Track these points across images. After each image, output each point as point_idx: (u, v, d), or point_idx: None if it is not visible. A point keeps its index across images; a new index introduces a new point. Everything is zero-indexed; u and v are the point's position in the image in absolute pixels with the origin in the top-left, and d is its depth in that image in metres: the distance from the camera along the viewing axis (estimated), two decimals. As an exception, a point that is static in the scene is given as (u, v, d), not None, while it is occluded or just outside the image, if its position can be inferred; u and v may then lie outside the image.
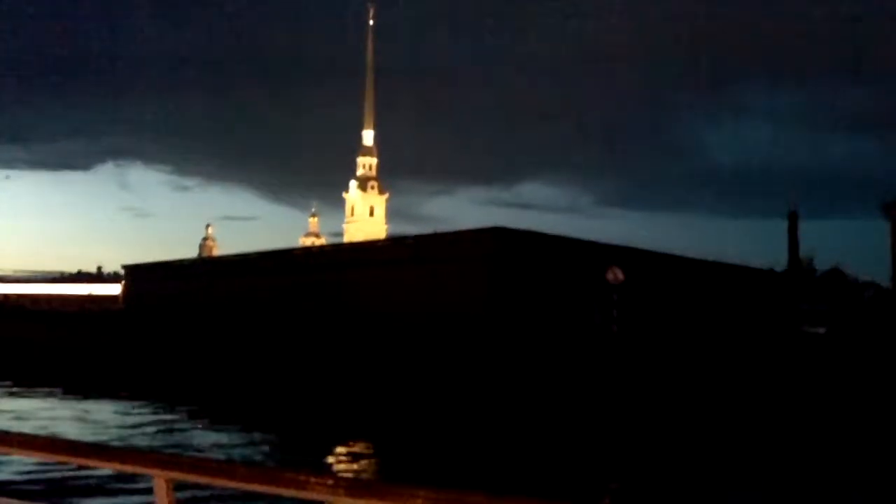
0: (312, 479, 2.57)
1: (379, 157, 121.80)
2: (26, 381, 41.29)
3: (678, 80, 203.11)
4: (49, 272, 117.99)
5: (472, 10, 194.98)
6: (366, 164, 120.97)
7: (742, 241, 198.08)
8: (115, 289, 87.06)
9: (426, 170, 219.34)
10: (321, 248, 53.83)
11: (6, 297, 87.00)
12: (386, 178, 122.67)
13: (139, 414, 32.24)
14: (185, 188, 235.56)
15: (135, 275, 64.89)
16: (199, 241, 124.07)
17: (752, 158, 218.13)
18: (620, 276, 32.99)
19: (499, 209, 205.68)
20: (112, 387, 41.00)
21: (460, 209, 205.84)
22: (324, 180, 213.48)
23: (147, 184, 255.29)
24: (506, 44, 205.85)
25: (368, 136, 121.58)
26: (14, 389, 38.81)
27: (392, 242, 44.69)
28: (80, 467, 2.77)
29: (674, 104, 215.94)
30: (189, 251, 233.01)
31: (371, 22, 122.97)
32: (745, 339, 30.02)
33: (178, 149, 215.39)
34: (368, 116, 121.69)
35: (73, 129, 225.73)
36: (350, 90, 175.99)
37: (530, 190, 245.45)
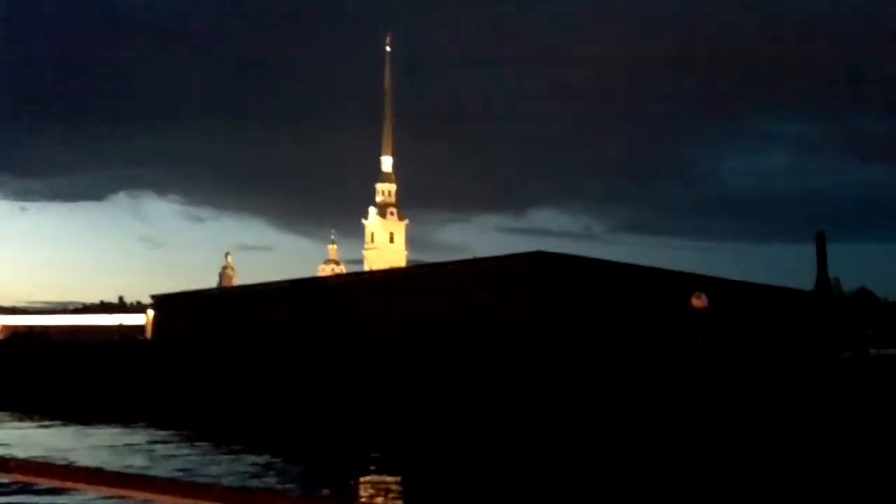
0: None
1: (397, 183, 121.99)
2: (78, 417, 40.86)
3: (694, 108, 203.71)
4: (65, 302, 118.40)
5: (487, 39, 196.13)
6: (385, 190, 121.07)
7: (758, 265, 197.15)
8: (139, 318, 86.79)
9: (439, 197, 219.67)
10: (354, 276, 53.37)
11: (31, 328, 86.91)
12: (402, 206, 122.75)
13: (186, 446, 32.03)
14: (199, 219, 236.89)
15: (164, 305, 64.58)
16: (213, 270, 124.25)
17: (767, 185, 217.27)
18: (705, 301, 32.39)
19: (512, 236, 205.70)
20: (153, 417, 40.73)
21: (474, 236, 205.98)
22: (338, 209, 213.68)
23: (161, 214, 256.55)
24: (522, 72, 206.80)
25: (387, 163, 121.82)
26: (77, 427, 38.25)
27: (429, 269, 44.18)
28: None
29: (688, 131, 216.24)
30: (204, 281, 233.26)
31: (388, 49, 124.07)
32: (814, 364, 29.38)
33: (191, 179, 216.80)
34: (387, 143, 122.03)
35: (87, 160, 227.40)
36: (364, 118, 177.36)
37: (543, 217, 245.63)
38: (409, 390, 38.08)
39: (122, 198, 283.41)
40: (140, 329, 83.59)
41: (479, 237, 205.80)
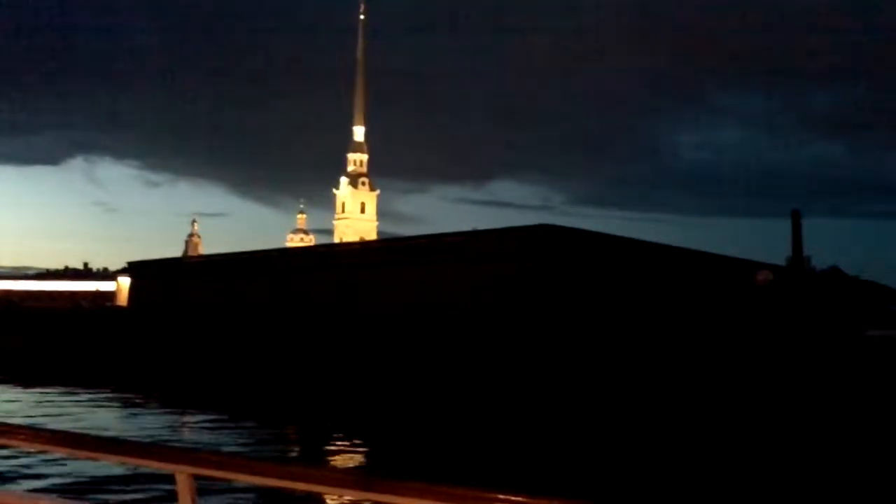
0: (325, 474, 2.72)
1: (369, 153, 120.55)
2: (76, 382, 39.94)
3: (649, 83, 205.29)
4: (20, 268, 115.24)
5: (454, 11, 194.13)
6: (357, 160, 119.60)
7: (713, 239, 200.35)
8: (109, 285, 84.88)
9: (397, 167, 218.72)
10: (348, 245, 52.52)
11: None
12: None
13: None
14: (155, 184, 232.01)
15: (140, 272, 63.08)
16: (167, 236, 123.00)
17: (722, 159, 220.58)
18: (770, 276, 32.41)
19: (471, 207, 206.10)
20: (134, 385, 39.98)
21: (434, 207, 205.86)
22: (301, 177, 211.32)
23: (117, 179, 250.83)
24: (484, 45, 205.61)
25: (360, 132, 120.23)
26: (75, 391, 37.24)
27: (428, 241, 43.60)
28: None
29: (645, 106, 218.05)
30: (163, 247, 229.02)
31: (362, 17, 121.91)
32: (843, 345, 29.49)
33: (148, 144, 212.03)
34: (359, 112, 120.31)
35: (42, 123, 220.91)
36: (328, 87, 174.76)
37: (500, 189, 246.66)
38: (405, 363, 37.73)
39: (78, 162, 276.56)
40: (109, 296, 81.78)
41: (439, 208, 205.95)
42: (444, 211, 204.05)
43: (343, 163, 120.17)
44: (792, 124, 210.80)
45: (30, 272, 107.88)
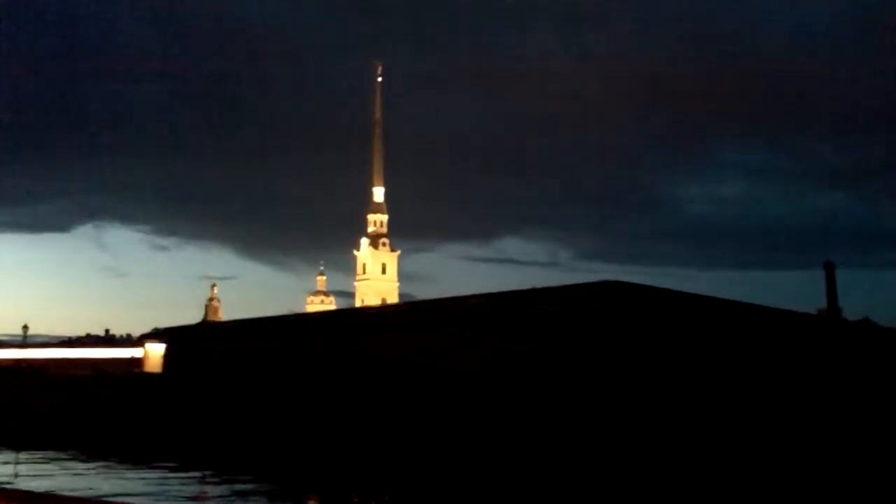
0: None
1: (389, 214, 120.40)
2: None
3: (652, 139, 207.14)
4: (34, 335, 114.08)
5: (455, 64, 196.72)
6: (377, 220, 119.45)
7: (721, 292, 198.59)
8: (134, 352, 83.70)
9: (405, 227, 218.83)
10: (393, 306, 51.56)
11: (17, 362, 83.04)
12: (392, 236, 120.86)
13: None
14: (163, 248, 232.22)
15: (177, 338, 62.02)
16: (176, 300, 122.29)
17: (725, 212, 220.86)
18: None
19: (477, 264, 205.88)
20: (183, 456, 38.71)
21: (441, 265, 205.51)
22: (312, 240, 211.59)
23: (125, 243, 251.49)
24: (487, 102, 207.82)
25: (379, 193, 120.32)
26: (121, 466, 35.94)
27: (485, 299, 42.56)
28: None
29: (648, 161, 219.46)
30: (175, 311, 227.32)
31: (379, 79, 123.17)
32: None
33: (155, 208, 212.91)
34: (377, 173, 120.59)
35: (52, 190, 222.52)
36: (340, 148, 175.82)
37: (507, 245, 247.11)
38: (479, 427, 36.49)
39: (88, 229, 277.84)
40: (136, 362, 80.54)
41: (444, 266, 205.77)
42: (451, 269, 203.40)
43: (363, 224, 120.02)
44: (796, 176, 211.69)
45: (38, 339, 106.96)
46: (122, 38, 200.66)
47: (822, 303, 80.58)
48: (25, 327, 70.90)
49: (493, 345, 39.50)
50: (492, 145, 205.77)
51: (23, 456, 38.84)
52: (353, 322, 50.36)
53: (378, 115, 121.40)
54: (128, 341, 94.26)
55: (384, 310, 49.34)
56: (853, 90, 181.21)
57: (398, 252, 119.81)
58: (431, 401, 38.52)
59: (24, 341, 75.62)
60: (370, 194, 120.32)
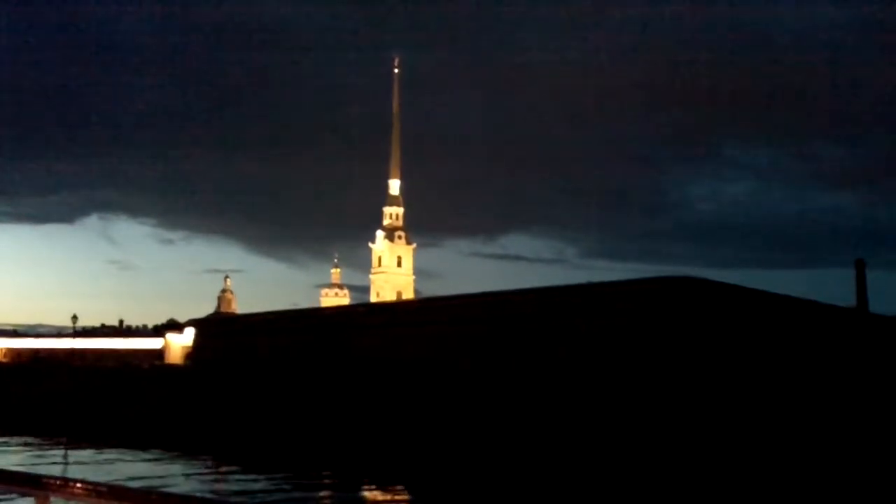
0: None
1: (405, 206, 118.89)
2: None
3: (661, 137, 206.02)
4: (35, 325, 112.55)
5: (463, 63, 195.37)
6: (393, 213, 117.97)
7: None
8: (152, 343, 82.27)
9: (421, 223, 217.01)
10: (446, 300, 50.01)
11: (37, 352, 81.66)
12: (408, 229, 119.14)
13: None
14: (169, 241, 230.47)
15: (205, 329, 60.62)
16: (182, 293, 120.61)
17: (733, 212, 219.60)
18: None
19: (483, 261, 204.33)
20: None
21: (448, 261, 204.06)
22: (317, 233, 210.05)
23: (131, 236, 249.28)
24: (493, 98, 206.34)
25: (395, 186, 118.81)
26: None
27: (562, 291, 41.20)
28: None
29: (656, 160, 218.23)
30: (185, 303, 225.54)
31: (396, 71, 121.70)
32: None
33: (162, 201, 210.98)
34: (395, 166, 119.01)
35: (57, 182, 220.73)
36: (352, 143, 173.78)
37: (513, 243, 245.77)
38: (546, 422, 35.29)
39: (93, 220, 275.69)
40: (155, 353, 79.10)
41: (451, 262, 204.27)
42: (457, 265, 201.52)
43: (378, 217, 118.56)
44: (805, 176, 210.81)
45: (42, 330, 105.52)
46: (131, 29, 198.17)
47: (828, 300, 79.39)
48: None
49: (559, 335, 38.28)
50: (501, 143, 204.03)
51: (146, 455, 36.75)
52: (389, 315, 49.19)
53: (396, 108, 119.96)
54: (144, 332, 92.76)
55: (451, 302, 47.74)
56: (859, 90, 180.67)
57: (414, 245, 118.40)
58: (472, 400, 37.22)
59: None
60: (386, 187, 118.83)
